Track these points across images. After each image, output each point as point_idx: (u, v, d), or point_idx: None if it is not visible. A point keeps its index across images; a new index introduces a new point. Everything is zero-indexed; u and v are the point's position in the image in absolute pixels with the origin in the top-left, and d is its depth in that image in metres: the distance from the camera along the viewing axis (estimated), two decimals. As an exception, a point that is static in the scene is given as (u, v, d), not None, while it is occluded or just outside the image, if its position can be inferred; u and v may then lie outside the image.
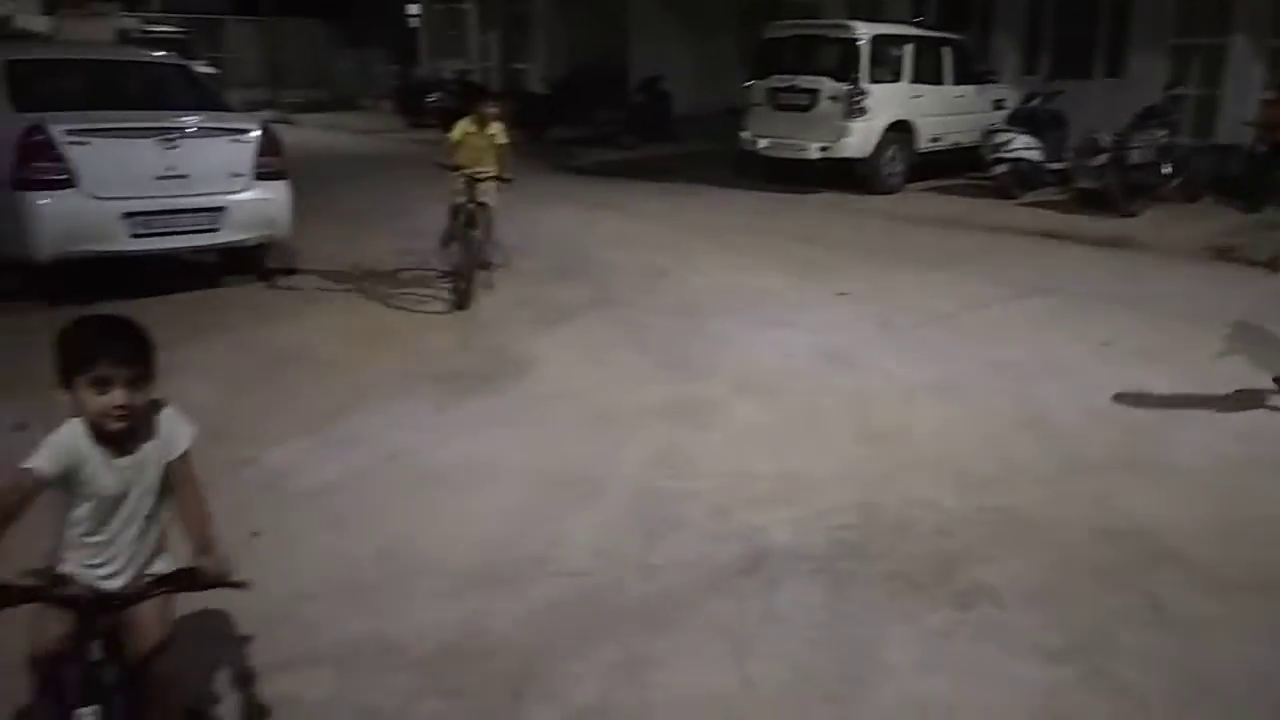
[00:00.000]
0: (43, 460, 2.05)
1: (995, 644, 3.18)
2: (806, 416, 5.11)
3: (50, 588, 2.04)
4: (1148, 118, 11.05)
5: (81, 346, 2.06)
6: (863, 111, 11.61)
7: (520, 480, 4.30)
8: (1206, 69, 12.68)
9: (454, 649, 3.11)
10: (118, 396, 2.04)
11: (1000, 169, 11.47)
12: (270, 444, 4.63)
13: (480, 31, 23.21)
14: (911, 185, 12.35)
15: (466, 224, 7.04)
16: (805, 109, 11.95)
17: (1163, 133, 10.92)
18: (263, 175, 7.16)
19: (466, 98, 7.93)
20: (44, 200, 6.28)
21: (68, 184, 6.32)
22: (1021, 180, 11.54)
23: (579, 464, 4.46)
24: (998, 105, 12.95)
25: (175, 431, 2.20)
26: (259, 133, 7.25)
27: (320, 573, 3.51)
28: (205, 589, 2.09)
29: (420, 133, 19.23)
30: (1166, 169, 10.81)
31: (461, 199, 7.09)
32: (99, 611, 2.04)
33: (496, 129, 7.21)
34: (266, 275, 7.60)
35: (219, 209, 6.95)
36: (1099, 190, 10.65)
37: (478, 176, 7.02)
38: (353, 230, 9.57)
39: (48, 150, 6.25)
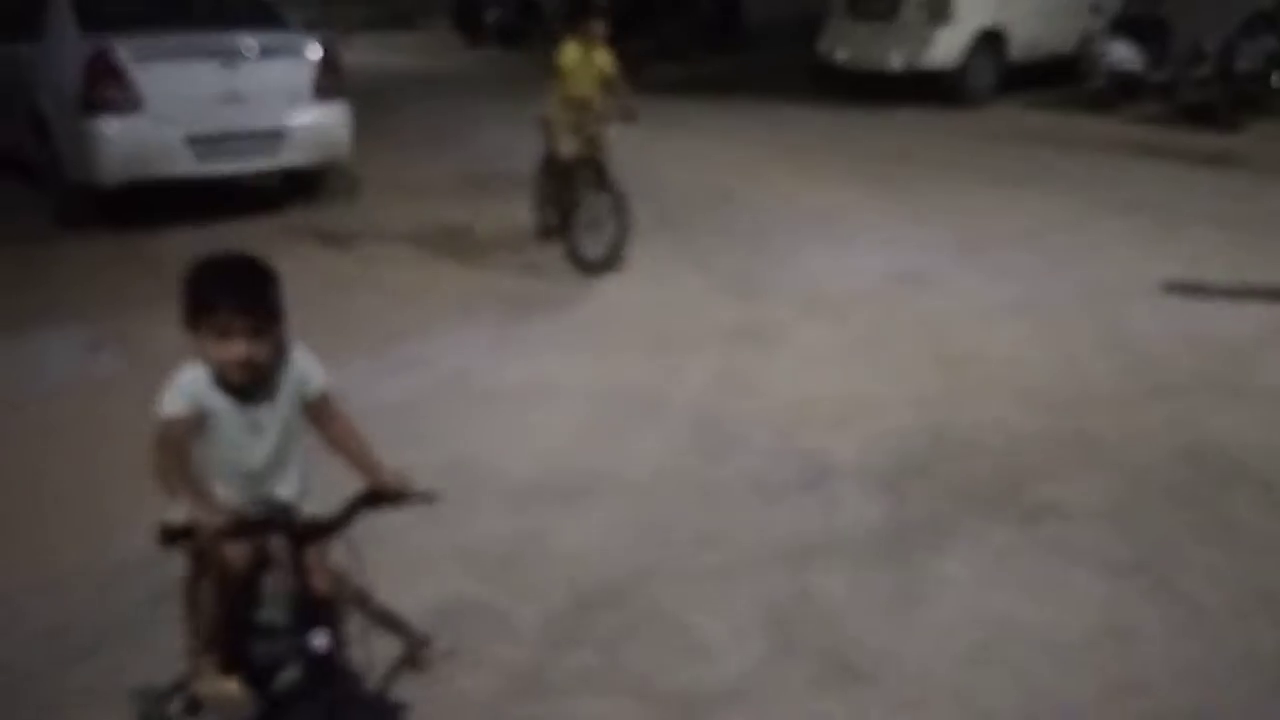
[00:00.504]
0: (174, 406, 1.99)
1: (1060, 558, 3.15)
2: (876, 338, 5.03)
3: (265, 519, 2.02)
4: (1257, 24, 10.35)
5: (203, 292, 1.97)
6: (950, 18, 11.09)
7: (581, 400, 4.35)
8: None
9: (519, 557, 3.21)
10: (239, 348, 1.95)
11: (1098, 80, 10.91)
12: (337, 364, 4.74)
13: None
14: (1002, 98, 11.83)
15: (584, 185, 5.80)
16: (887, 17, 11.46)
17: (1273, 40, 10.24)
18: (323, 96, 7.17)
19: (570, 15, 6.26)
20: (111, 124, 6.40)
21: (134, 108, 6.43)
22: (1121, 92, 10.96)
23: (640, 385, 4.49)
24: (1095, 9, 12.23)
25: (308, 371, 2.14)
26: (319, 53, 7.23)
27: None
28: (396, 505, 2.07)
29: (478, 51, 19.12)
30: (1277, 80, 10.16)
31: (570, 150, 5.82)
32: (304, 539, 1.99)
33: (604, 54, 5.95)
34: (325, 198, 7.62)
35: (280, 131, 7.00)
36: (1202, 103, 10.09)
37: (593, 119, 5.68)
38: (414, 154, 9.60)
39: (115, 74, 6.34)
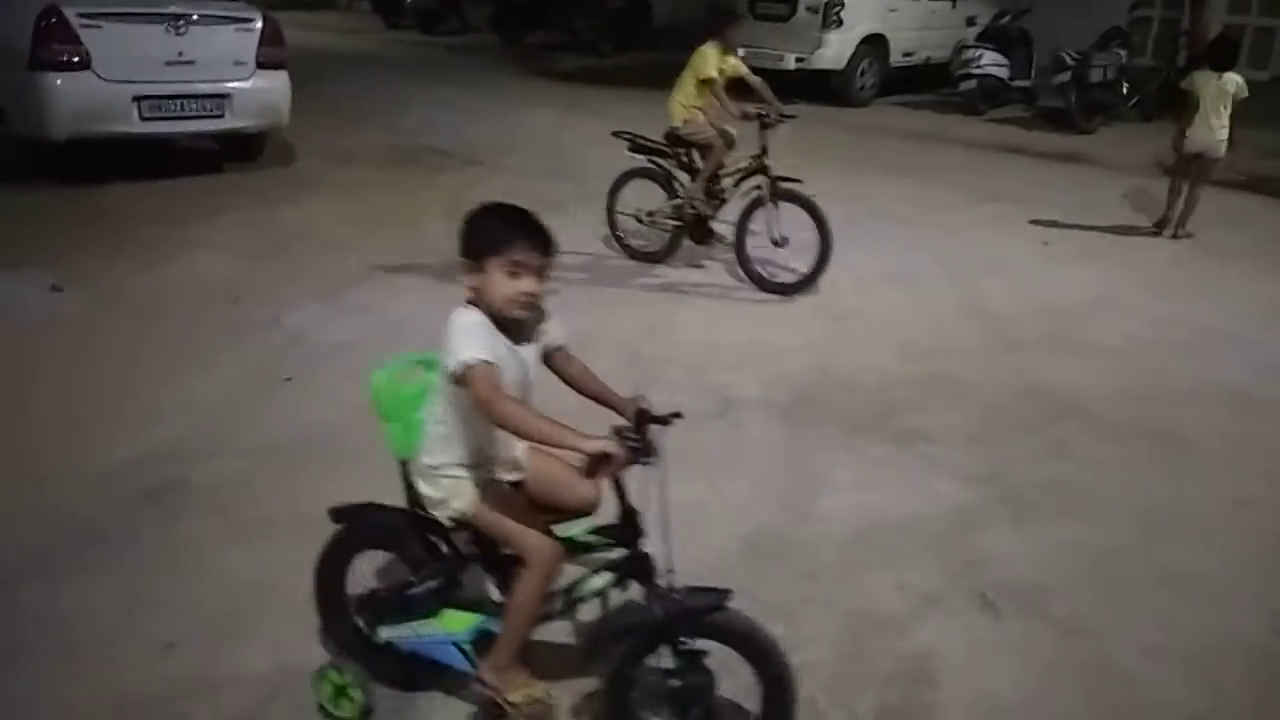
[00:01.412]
0: (483, 350, 2.06)
1: (924, 469, 3.81)
2: (770, 299, 5.66)
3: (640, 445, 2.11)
4: (1111, 38, 11.51)
5: (502, 230, 2.10)
6: (840, 23, 11.94)
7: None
8: None
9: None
10: (529, 283, 2.10)
11: (968, 85, 11.90)
12: (288, 308, 5.12)
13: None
14: (882, 99, 12.76)
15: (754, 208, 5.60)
16: (784, 19, 12.23)
17: (1124, 53, 11.38)
18: (265, 64, 7.49)
19: (711, 21, 6.00)
20: (60, 80, 6.60)
21: (82, 65, 6.63)
22: (987, 97, 12.00)
23: (574, 330, 4.96)
24: (970, 21, 13.31)
25: (553, 322, 2.30)
26: (262, 22, 7.54)
27: (346, 413, 4.03)
28: (662, 424, 2.18)
29: (397, 34, 19.33)
30: (1124, 88, 11.31)
31: (735, 177, 5.76)
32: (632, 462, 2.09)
33: (735, 59, 5.94)
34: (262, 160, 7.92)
35: (224, 95, 7.30)
36: (1060, 108, 11.14)
37: (765, 122, 5.52)
38: (343, 127, 9.88)
39: (63, 32, 6.54)
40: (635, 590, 2.26)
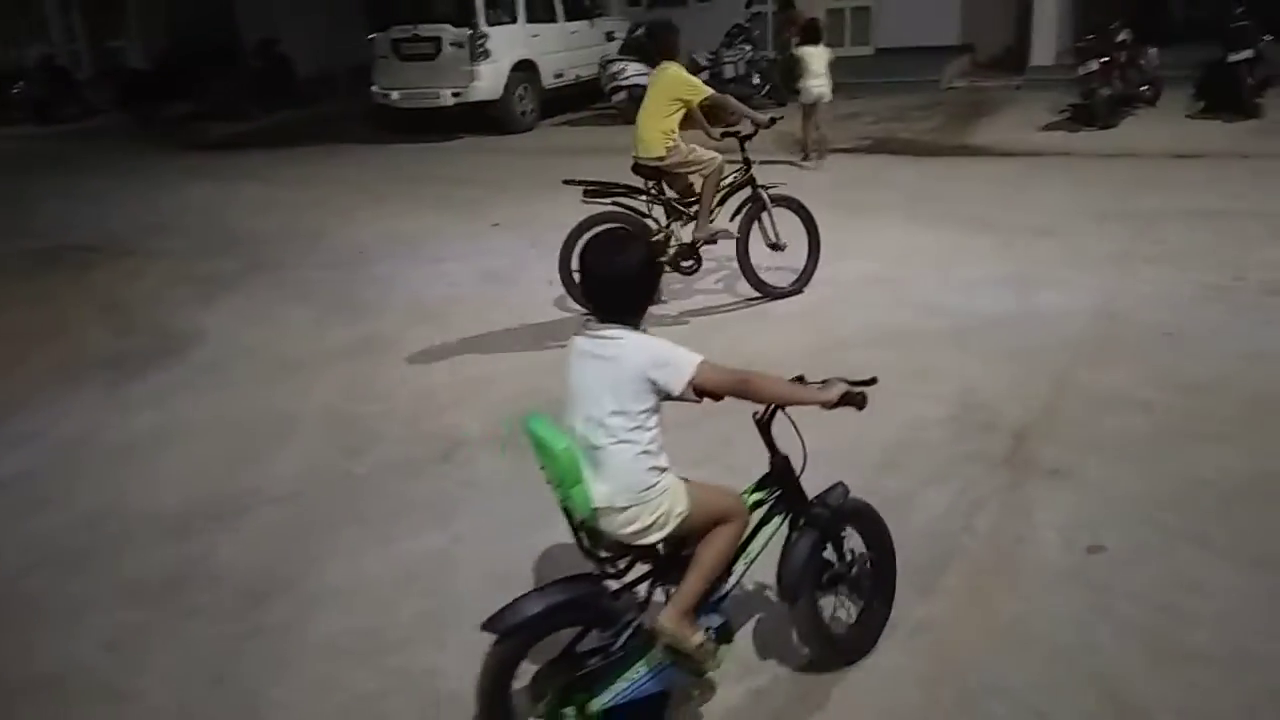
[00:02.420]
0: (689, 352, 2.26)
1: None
2: (476, 330, 5.66)
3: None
4: (735, 36, 12.52)
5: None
6: (487, 54, 12.12)
7: (213, 434, 4.51)
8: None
9: (185, 579, 3.37)
10: None
11: (619, 97, 12.46)
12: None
13: (61, 11, 20.95)
14: (545, 121, 13.12)
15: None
16: (431, 57, 12.26)
17: (749, 48, 12.42)
18: None
19: (660, 41, 5.84)
20: None
21: None
22: (638, 105, 12.61)
23: (268, 407, 4.73)
24: (609, 37, 13.98)
25: None
26: None
27: (35, 553, 3.57)
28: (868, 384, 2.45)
29: (10, 128, 17.28)
30: (756, 80, 12.34)
31: (723, 192, 5.57)
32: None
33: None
34: None
35: None
36: (703, 106, 11.94)
37: (744, 135, 5.57)
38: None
39: None
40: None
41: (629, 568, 2.38)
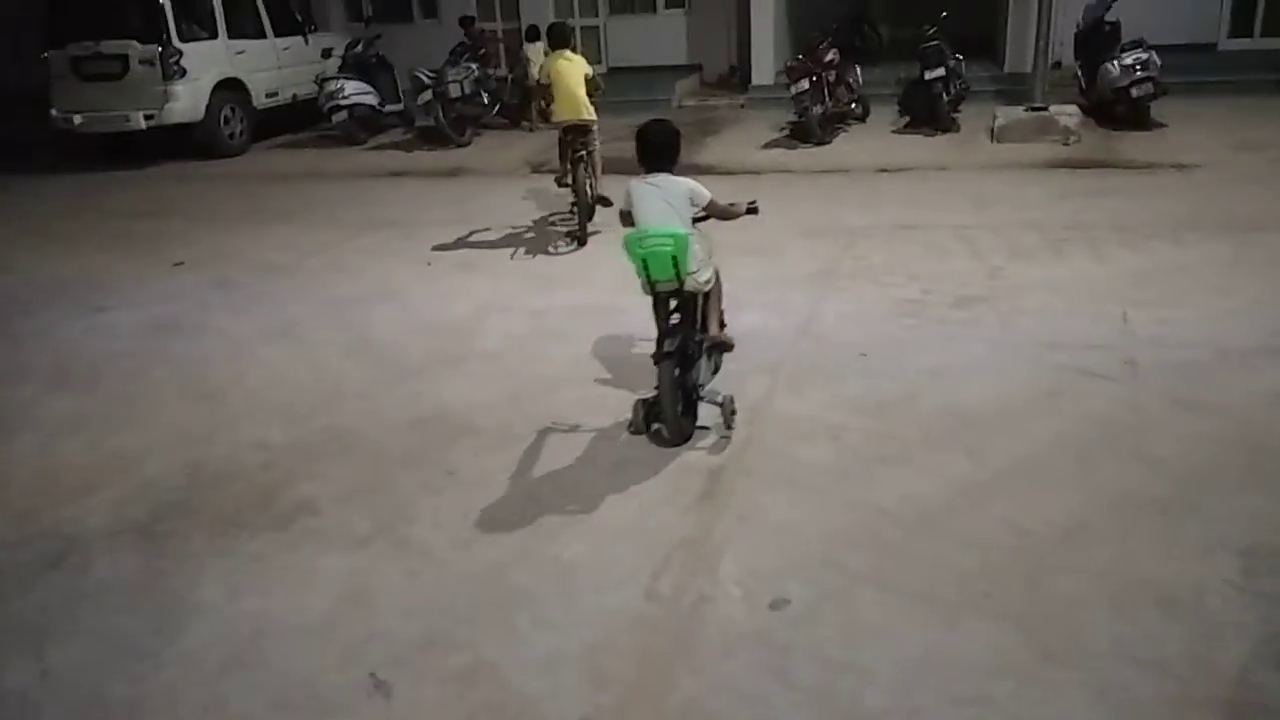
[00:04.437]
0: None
1: (310, 547, 3.44)
2: (129, 396, 4.90)
3: None
4: (459, 54, 12.04)
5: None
6: (182, 72, 10.99)
7: None
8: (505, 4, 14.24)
9: None
10: None
11: (339, 117, 11.72)
12: None
13: None
14: (258, 144, 12.11)
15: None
16: (118, 76, 10.99)
17: (474, 66, 11.99)
18: None
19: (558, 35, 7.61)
20: None
21: None
22: (363, 125, 11.94)
23: None
24: (326, 54, 13.12)
25: None
26: None
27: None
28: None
29: None
30: (485, 99, 11.94)
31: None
32: None
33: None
34: None
35: None
36: (432, 126, 11.42)
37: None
38: None
39: None
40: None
41: (675, 310, 3.97)
